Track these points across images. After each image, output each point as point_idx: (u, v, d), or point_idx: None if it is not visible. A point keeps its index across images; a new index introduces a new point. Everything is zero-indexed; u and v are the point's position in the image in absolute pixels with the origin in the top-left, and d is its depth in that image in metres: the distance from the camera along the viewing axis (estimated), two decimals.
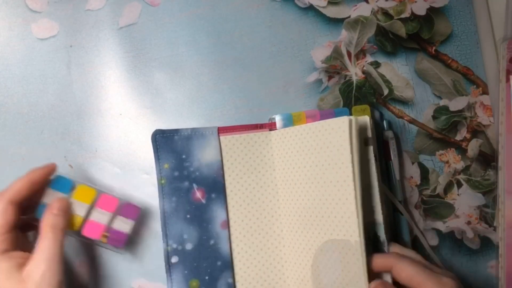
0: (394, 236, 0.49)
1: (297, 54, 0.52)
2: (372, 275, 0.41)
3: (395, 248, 0.43)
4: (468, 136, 0.52)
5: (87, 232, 0.45)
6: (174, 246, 0.46)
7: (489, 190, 0.51)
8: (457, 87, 0.52)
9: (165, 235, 0.46)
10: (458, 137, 0.52)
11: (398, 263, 0.40)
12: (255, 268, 0.47)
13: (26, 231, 0.46)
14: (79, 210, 0.45)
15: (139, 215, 0.47)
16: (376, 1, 0.52)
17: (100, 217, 0.45)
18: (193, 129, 0.48)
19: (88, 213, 0.45)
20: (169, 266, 0.46)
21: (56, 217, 0.42)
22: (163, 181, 0.47)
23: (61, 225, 0.42)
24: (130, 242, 0.49)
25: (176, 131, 0.47)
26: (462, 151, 0.51)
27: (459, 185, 0.51)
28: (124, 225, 0.46)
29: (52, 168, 0.44)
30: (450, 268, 0.50)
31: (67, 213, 0.43)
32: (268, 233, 0.47)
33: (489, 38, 0.52)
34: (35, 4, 0.51)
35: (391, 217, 0.49)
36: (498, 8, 0.52)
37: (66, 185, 0.45)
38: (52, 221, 0.42)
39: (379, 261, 0.41)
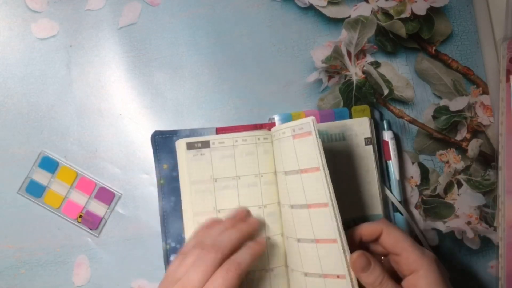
0: None
1: (297, 54, 0.52)
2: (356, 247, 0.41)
3: (385, 219, 0.43)
4: (468, 136, 0.52)
5: (65, 211, 0.49)
6: (173, 244, 0.47)
7: (489, 190, 0.51)
8: (457, 87, 0.52)
9: (164, 234, 0.47)
10: (458, 137, 0.52)
11: (388, 227, 0.41)
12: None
13: None
14: (61, 190, 0.49)
15: (113, 201, 0.50)
16: (376, 1, 0.52)
17: (78, 198, 0.49)
18: (191, 130, 0.48)
19: (68, 193, 0.49)
20: (168, 264, 0.46)
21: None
22: (162, 181, 0.48)
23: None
24: (103, 225, 0.50)
25: (175, 132, 0.48)
26: (462, 151, 0.51)
27: (459, 185, 0.51)
28: (98, 208, 0.49)
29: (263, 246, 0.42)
30: (450, 268, 0.50)
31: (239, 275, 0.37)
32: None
33: (489, 38, 0.52)
34: (35, 4, 0.51)
35: (388, 214, 0.49)
36: (498, 8, 0.52)
37: (51, 165, 0.49)
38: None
39: (369, 227, 0.41)
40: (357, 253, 0.38)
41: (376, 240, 0.41)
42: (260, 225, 0.44)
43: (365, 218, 0.47)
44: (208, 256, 0.38)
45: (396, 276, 0.41)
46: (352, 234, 0.41)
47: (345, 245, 0.38)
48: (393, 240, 0.40)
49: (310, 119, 0.39)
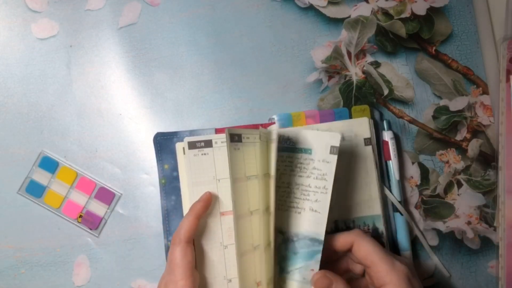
0: (394, 236, 0.49)
1: (297, 54, 0.52)
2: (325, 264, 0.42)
3: (358, 231, 0.44)
4: (468, 136, 0.52)
5: (65, 211, 0.49)
6: None
7: (489, 190, 0.51)
8: (457, 87, 0.52)
9: (166, 232, 0.48)
10: (458, 137, 0.52)
11: (359, 239, 0.41)
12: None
13: None
14: (61, 190, 0.49)
15: (113, 201, 0.50)
16: (376, 1, 0.52)
17: (78, 198, 0.49)
18: (191, 131, 0.49)
19: (68, 193, 0.49)
20: None
21: None
22: (163, 181, 0.48)
23: None
24: (103, 225, 0.50)
25: (175, 133, 0.49)
26: (462, 151, 0.51)
27: (459, 185, 0.51)
28: (98, 208, 0.49)
29: (209, 199, 0.44)
30: (450, 268, 0.50)
31: None
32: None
33: (489, 38, 0.52)
34: (35, 4, 0.51)
35: (388, 214, 0.49)
36: (498, 8, 0.52)
37: (51, 165, 0.49)
38: None
39: (342, 238, 0.42)
40: (318, 274, 0.39)
41: (350, 251, 0.42)
42: (213, 197, 0.45)
43: (364, 218, 0.47)
44: (173, 248, 0.41)
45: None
46: (326, 243, 0.41)
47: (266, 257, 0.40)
48: (363, 252, 0.40)
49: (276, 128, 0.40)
